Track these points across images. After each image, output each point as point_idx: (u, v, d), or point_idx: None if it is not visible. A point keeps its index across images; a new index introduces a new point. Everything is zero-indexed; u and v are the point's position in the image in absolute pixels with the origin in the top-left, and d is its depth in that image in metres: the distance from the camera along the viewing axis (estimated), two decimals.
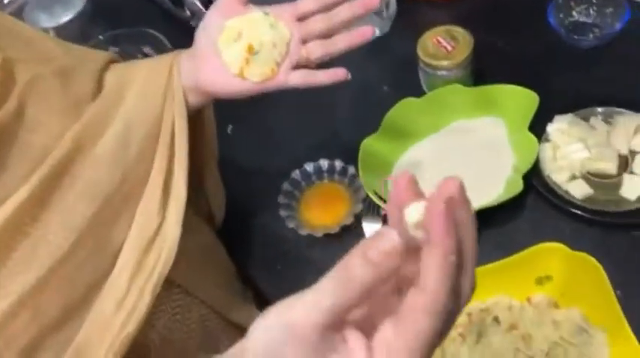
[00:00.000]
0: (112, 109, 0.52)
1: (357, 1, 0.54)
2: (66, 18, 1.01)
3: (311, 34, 0.55)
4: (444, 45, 0.74)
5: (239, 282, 0.72)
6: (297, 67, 0.56)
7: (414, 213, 0.30)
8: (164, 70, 0.56)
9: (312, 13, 0.55)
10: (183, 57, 0.57)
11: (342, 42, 0.55)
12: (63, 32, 0.95)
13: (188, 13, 0.90)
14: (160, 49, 0.93)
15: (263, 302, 0.71)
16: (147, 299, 0.48)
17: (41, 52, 0.52)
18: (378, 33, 0.52)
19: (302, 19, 0.55)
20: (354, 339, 0.30)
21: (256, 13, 0.55)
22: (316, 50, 0.55)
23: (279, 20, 0.55)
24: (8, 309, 0.42)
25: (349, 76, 0.55)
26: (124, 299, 0.48)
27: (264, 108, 0.78)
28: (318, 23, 0.55)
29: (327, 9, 0.54)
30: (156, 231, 0.50)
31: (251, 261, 0.73)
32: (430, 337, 0.29)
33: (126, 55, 0.95)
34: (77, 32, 0.96)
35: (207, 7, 0.85)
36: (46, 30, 0.95)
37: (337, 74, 0.55)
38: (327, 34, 0.55)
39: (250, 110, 0.74)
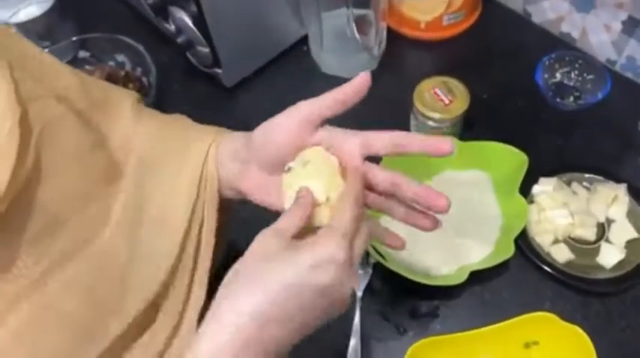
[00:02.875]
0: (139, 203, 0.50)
1: (430, 142, 0.48)
2: (26, 10, 0.93)
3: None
4: (441, 98, 0.75)
5: None
6: None
7: None
8: (198, 160, 0.52)
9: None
10: (225, 149, 0.53)
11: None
12: (27, 28, 0.88)
13: (173, 27, 0.85)
14: (136, 60, 0.88)
15: None
16: None
17: (56, 85, 0.48)
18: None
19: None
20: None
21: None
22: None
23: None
24: None
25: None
26: None
27: None
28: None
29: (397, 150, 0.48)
30: (172, 332, 0.49)
31: None
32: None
33: (96, 62, 0.90)
34: (44, 30, 0.89)
35: (196, 24, 0.81)
36: (8, 25, 0.87)
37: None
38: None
39: None
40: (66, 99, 0.47)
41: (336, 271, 0.41)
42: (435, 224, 0.50)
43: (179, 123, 0.58)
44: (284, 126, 0.48)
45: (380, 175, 0.49)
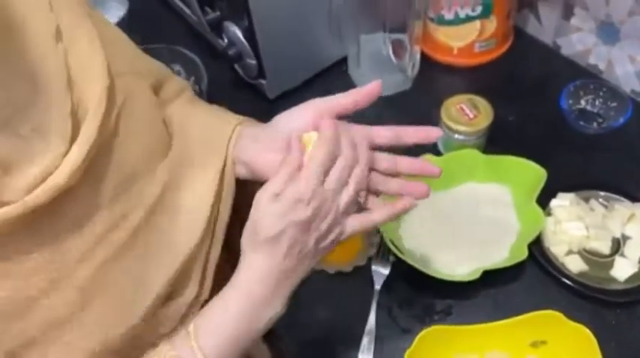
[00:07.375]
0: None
1: (421, 130, 0.55)
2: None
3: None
4: (466, 112, 0.80)
5: None
6: None
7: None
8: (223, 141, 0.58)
9: (382, 146, 0.55)
10: (246, 133, 0.58)
11: (395, 189, 0.56)
12: None
13: (225, 41, 0.93)
14: (191, 70, 0.97)
15: None
16: None
17: (134, 63, 0.57)
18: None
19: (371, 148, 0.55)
20: None
21: None
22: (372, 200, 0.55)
23: None
24: None
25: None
26: None
27: None
28: (383, 163, 0.55)
29: (398, 140, 0.55)
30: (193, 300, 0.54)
31: None
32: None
33: None
34: None
35: (247, 37, 0.89)
36: None
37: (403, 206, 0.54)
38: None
39: None
40: (142, 77, 0.56)
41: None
42: (427, 189, 0.54)
43: (213, 107, 0.65)
44: (301, 114, 0.55)
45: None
